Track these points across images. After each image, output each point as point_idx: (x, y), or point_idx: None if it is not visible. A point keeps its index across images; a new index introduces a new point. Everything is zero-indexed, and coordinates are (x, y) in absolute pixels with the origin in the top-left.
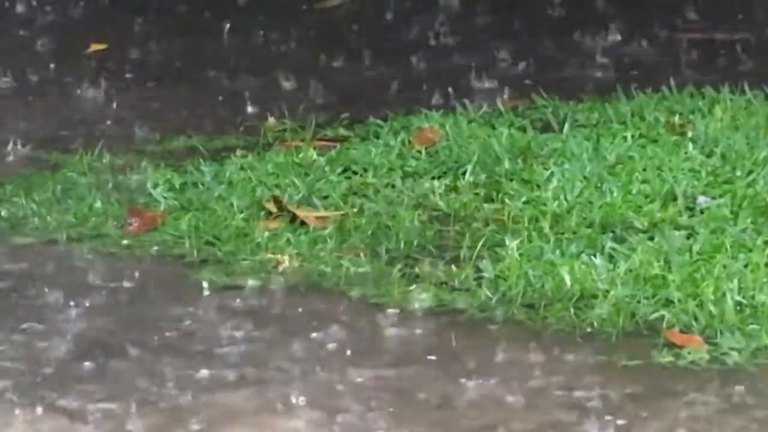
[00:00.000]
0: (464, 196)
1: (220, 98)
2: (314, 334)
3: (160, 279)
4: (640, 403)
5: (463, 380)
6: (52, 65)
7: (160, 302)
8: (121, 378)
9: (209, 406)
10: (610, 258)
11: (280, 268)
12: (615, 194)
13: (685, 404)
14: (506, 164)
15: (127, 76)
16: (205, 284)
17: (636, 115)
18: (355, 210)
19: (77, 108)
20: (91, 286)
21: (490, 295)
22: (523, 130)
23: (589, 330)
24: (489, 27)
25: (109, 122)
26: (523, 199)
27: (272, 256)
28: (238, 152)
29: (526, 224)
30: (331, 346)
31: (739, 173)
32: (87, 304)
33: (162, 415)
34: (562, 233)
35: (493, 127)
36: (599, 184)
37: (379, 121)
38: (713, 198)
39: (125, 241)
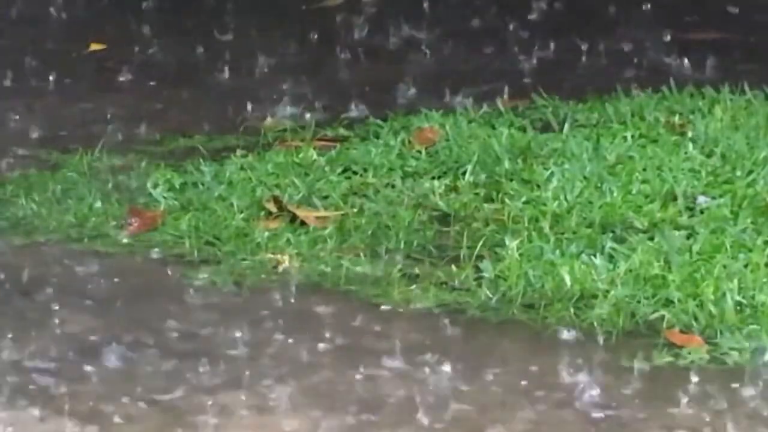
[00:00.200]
0: (464, 196)
1: (220, 98)
2: (314, 334)
3: (160, 279)
4: (640, 403)
5: (462, 380)
6: (51, 65)
7: (159, 302)
8: (120, 378)
9: (209, 406)
10: (610, 258)
11: (280, 268)
12: (615, 194)
13: (685, 404)
14: (506, 164)
15: (127, 76)
16: (205, 284)
17: (636, 115)
18: (355, 210)
19: (77, 108)
20: (90, 286)
21: (490, 295)
22: (523, 130)
23: (589, 330)
24: (489, 26)
25: (109, 122)
26: (523, 199)
27: (272, 256)
28: (238, 152)
29: (526, 224)
30: (330, 346)
31: (739, 173)
32: (87, 304)
33: (161, 415)
34: (562, 233)
35: (493, 127)
36: (599, 184)
37: (379, 121)
38: (713, 198)
39: (125, 241)
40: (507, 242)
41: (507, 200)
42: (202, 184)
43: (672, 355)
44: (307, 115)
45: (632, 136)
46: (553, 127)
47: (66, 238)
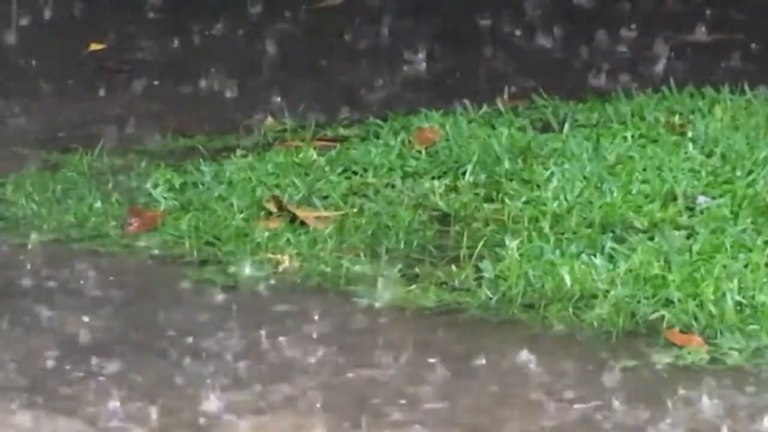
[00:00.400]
0: (464, 196)
1: (220, 98)
2: (314, 334)
3: (160, 279)
4: (640, 403)
5: (462, 380)
6: (51, 65)
7: (159, 302)
8: (120, 378)
9: (209, 406)
10: (610, 258)
11: (280, 268)
12: (615, 194)
13: (685, 404)
14: (506, 164)
15: (127, 75)
16: (205, 284)
17: (636, 115)
18: (355, 210)
19: (77, 108)
20: (90, 286)
21: (490, 295)
22: (523, 130)
23: (589, 330)
24: (489, 26)
25: (109, 122)
26: (523, 199)
27: (272, 256)
28: (238, 152)
29: (526, 224)
30: (330, 345)
31: (739, 173)
32: (86, 304)
33: (161, 415)
34: (562, 233)
35: (493, 127)
36: (599, 184)
37: (379, 121)
38: (713, 198)
39: (125, 241)
40: (507, 242)
41: (507, 200)
42: (202, 184)
43: (672, 355)
44: (307, 115)
45: (632, 136)
46: (553, 127)
47: (66, 238)
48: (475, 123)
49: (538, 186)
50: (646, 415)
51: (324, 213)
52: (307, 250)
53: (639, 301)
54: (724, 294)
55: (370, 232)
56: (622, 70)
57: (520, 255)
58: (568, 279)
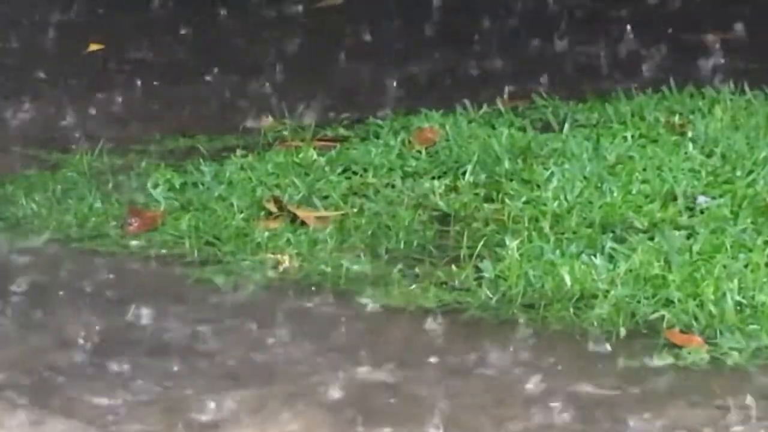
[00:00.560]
0: (464, 196)
1: (220, 98)
2: (314, 334)
3: (160, 279)
4: (640, 403)
5: (463, 380)
6: (51, 65)
7: (160, 302)
8: (120, 378)
9: (209, 405)
10: (610, 258)
11: (280, 268)
12: (615, 194)
13: (685, 404)
14: (506, 164)
15: (127, 75)
16: (205, 284)
17: (636, 115)
18: (355, 210)
19: (77, 108)
20: (90, 286)
21: (490, 295)
22: (523, 130)
23: (589, 330)
24: (489, 26)
25: (109, 122)
26: (523, 199)
27: (272, 256)
28: (238, 152)
29: (526, 224)
30: (330, 346)
31: (739, 173)
32: (86, 304)
33: (162, 415)
34: (562, 233)
35: (493, 127)
36: (599, 184)
37: (379, 121)
38: (713, 198)
39: (125, 241)
40: (507, 242)
41: (507, 200)
42: (202, 184)
43: (672, 355)
44: (307, 115)
45: (632, 136)
46: (553, 127)
47: (66, 238)
48: (475, 123)
49: (538, 186)
50: (646, 415)
51: (324, 213)
52: (307, 250)
53: (639, 301)
54: (724, 294)
55: (370, 232)
56: (622, 70)
57: (520, 255)
58: (568, 279)
